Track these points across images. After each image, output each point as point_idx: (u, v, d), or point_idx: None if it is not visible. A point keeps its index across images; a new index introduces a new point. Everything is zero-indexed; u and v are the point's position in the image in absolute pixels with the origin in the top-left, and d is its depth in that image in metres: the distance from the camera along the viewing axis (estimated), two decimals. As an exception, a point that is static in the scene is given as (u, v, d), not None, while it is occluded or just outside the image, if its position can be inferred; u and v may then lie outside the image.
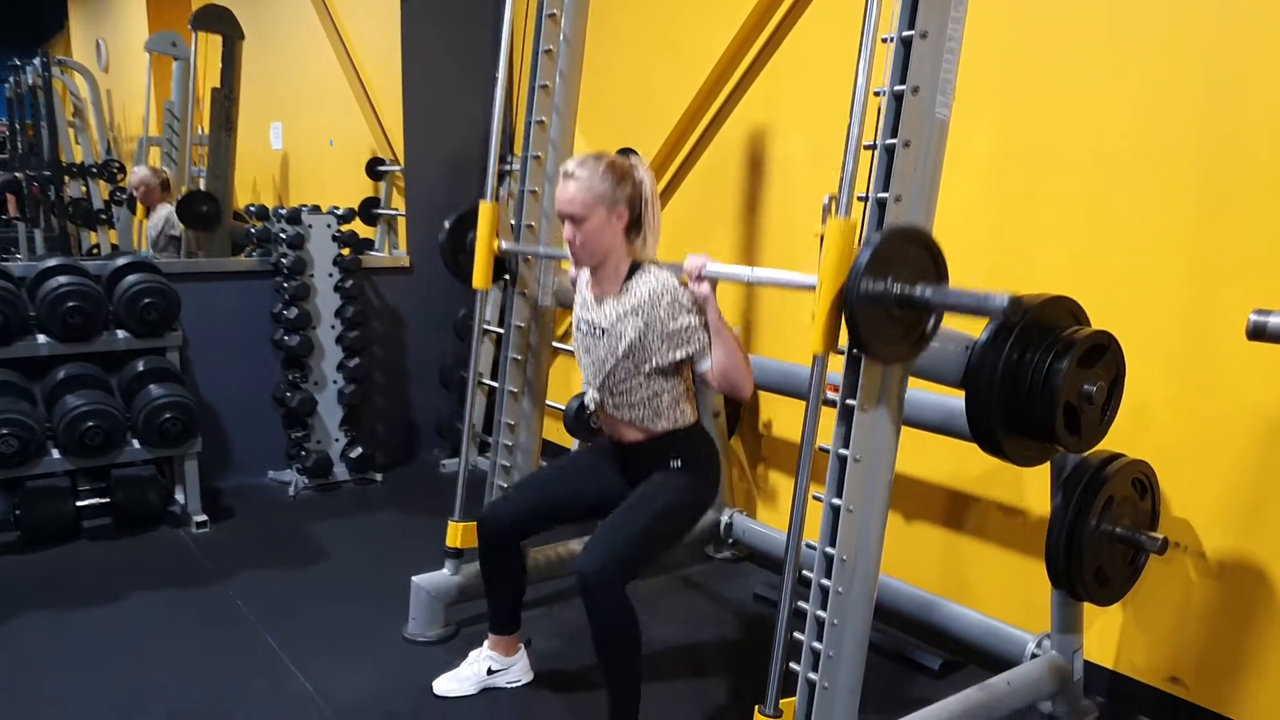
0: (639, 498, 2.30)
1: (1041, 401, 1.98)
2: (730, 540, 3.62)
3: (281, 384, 4.38)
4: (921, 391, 2.65)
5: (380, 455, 4.64)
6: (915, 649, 2.91)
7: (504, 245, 2.90)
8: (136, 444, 3.70)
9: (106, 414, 3.56)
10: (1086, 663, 2.57)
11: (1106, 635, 2.65)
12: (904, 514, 3.18)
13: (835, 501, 1.93)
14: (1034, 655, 2.55)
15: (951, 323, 2.09)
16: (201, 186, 5.24)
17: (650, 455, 2.36)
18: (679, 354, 2.25)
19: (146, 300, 3.74)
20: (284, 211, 4.27)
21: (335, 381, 4.39)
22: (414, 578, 2.95)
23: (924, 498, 3.10)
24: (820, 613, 1.96)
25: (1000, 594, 2.89)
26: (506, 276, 3.00)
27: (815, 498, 1.94)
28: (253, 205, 4.85)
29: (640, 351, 2.27)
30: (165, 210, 5.17)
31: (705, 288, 2.18)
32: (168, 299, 3.80)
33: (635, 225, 2.30)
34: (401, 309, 4.78)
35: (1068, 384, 1.97)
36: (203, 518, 3.82)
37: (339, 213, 4.42)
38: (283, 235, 4.22)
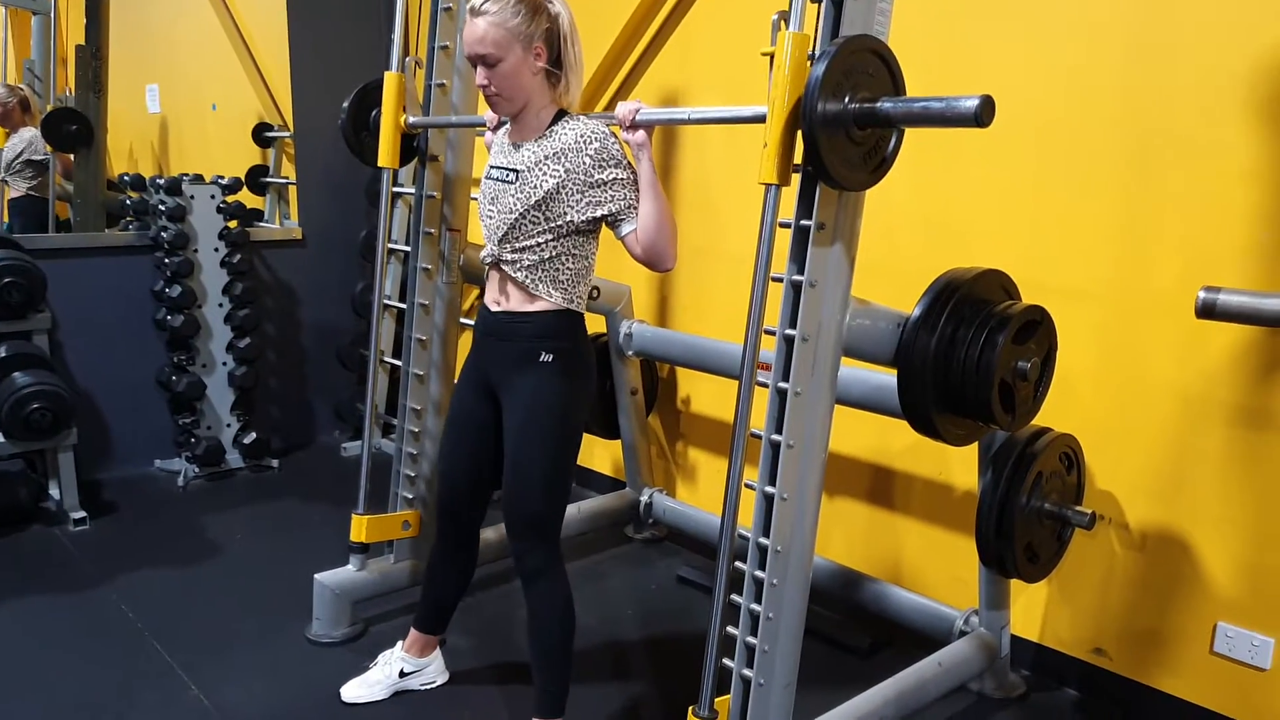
0: (520, 444, 2.09)
1: (976, 380, 1.91)
2: (650, 520, 3.52)
3: (166, 367, 4.08)
4: (845, 368, 2.59)
5: (276, 440, 4.38)
6: (841, 629, 2.86)
7: (412, 119, 2.68)
8: (1, 437, 3.38)
9: (-36, 406, 3.24)
10: (1012, 637, 2.56)
11: (1031, 609, 2.64)
12: (827, 490, 3.10)
13: (769, 489, 1.83)
14: (962, 632, 2.53)
15: (884, 299, 2.01)
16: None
17: (522, 335, 2.08)
18: (599, 211, 2.00)
19: (6, 280, 3.41)
20: (162, 181, 3.95)
21: (225, 363, 4.11)
22: (317, 575, 2.76)
23: (847, 474, 3.05)
24: (755, 606, 1.86)
25: (925, 570, 2.87)
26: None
27: (749, 486, 1.83)
28: (127, 174, 4.48)
29: (556, 203, 2.01)
30: (29, 133, 4.73)
31: (640, 135, 1.96)
32: (31, 278, 3.47)
33: (555, 66, 2.06)
34: (295, 284, 4.51)
35: (1002, 361, 1.91)
36: (80, 514, 3.53)
37: (224, 182, 4.12)
38: (162, 207, 3.90)
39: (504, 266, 2.10)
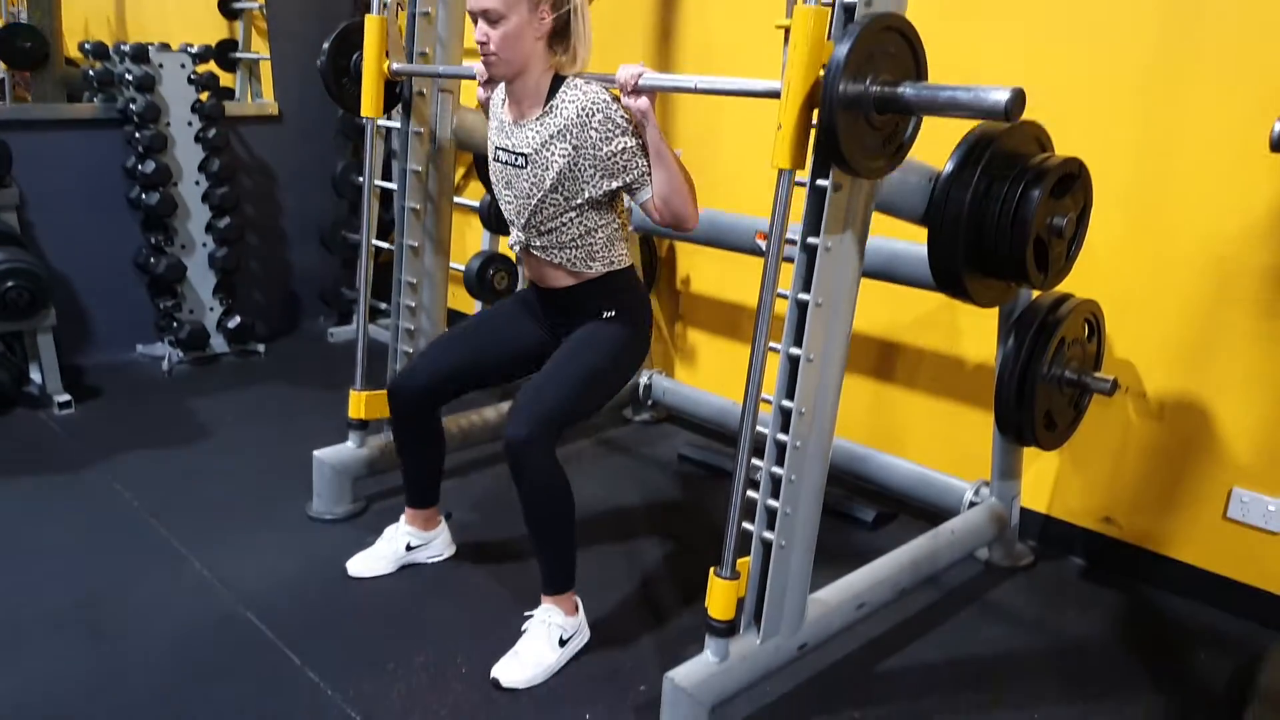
0: (567, 354, 2.08)
1: (1011, 237, 1.84)
2: (650, 402, 3.47)
3: (144, 248, 3.93)
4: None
5: (260, 325, 4.26)
6: (848, 502, 2.85)
7: (396, 66, 2.54)
8: (-24, 318, 3.26)
9: (-65, 284, 3.09)
10: (1021, 508, 2.55)
11: (1041, 480, 2.63)
12: (831, 366, 3.08)
13: (794, 351, 1.77)
14: (972, 503, 2.52)
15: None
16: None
17: (580, 304, 2.11)
18: (614, 183, 1.96)
19: (-31, 152, 3.23)
20: (128, 49, 3.72)
21: (204, 244, 3.96)
22: (315, 452, 2.69)
23: (852, 348, 2.99)
24: (777, 469, 1.82)
25: (933, 443, 2.84)
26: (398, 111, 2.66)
27: (772, 348, 1.76)
28: (87, 43, 4.22)
29: (571, 183, 1.97)
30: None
31: (643, 102, 1.87)
32: (-4, 151, 3.29)
33: (560, 35, 1.96)
34: (273, 163, 4.32)
35: (1038, 217, 1.83)
36: (65, 398, 3.43)
37: (193, 50, 3.89)
38: (129, 76, 3.68)
39: (535, 252, 2.09)
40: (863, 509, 2.82)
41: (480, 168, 3.29)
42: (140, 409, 3.51)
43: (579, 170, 1.96)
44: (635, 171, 1.95)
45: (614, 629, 2.22)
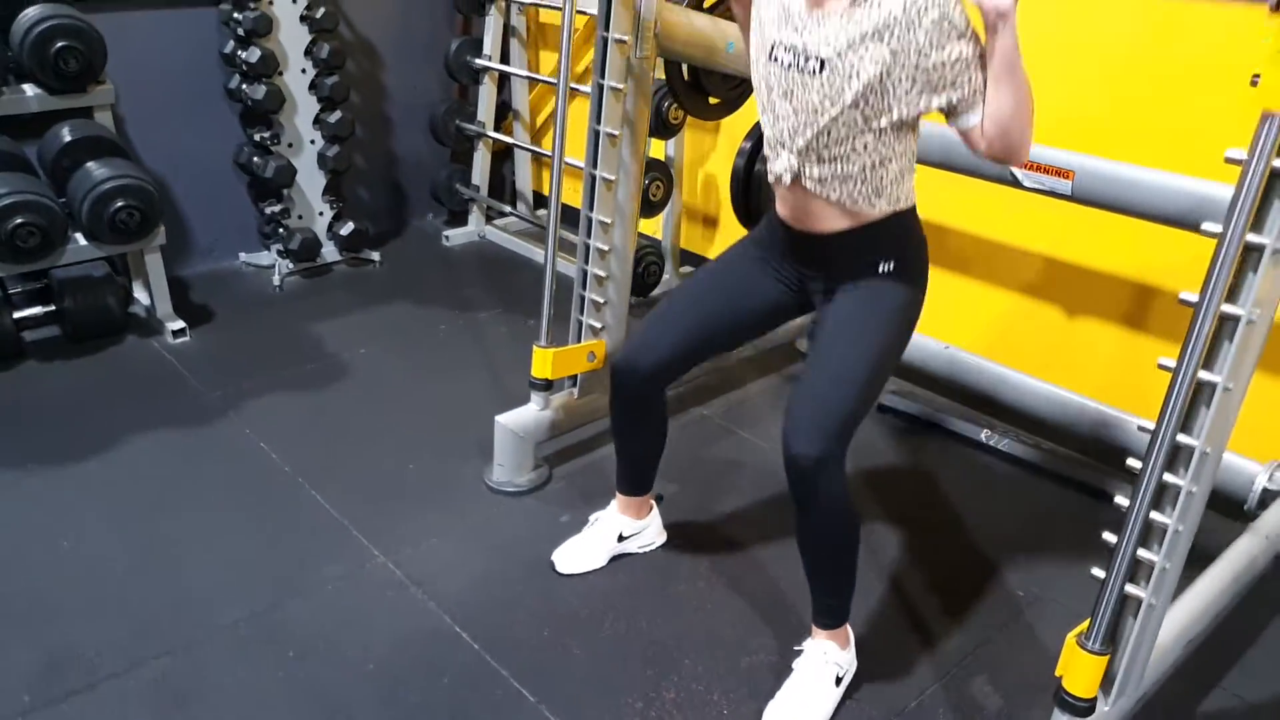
0: (843, 335, 1.67)
1: None
2: (829, 333, 3.09)
3: (245, 146, 3.50)
4: (1149, 170, 2.07)
5: (369, 225, 3.87)
6: (1087, 471, 2.50)
7: None
8: (81, 239, 2.88)
9: (40, 206, 2.70)
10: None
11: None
12: (1065, 308, 2.67)
13: (1209, 377, 1.37)
14: (1266, 490, 2.16)
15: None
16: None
17: (853, 253, 1.68)
18: (936, 101, 1.52)
19: (61, 44, 2.78)
20: (220, -88, 3.19)
21: (313, 141, 3.52)
22: (498, 417, 2.35)
23: (1093, 288, 2.58)
24: (1159, 516, 1.46)
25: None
26: None
27: (1162, 366, 1.37)
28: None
29: (878, 98, 1.52)
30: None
31: (1006, 0, 1.40)
32: (89, 42, 2.84)
33: None
34: (376, 41, 3.81)
35: None
36: (179, 325, 3.10)
37: (293, -86, 3.34)
38: (225, -53, 3.17)
39: (808, 184, 1.64)
40: (1107, 480, 2.47)
41: (672, 76, 2.73)
42: (259, 334, 3.18)
43: (893, 82, 1.50)
44: (966, 88, 1.50)
45: (875, 649, 1.93)
